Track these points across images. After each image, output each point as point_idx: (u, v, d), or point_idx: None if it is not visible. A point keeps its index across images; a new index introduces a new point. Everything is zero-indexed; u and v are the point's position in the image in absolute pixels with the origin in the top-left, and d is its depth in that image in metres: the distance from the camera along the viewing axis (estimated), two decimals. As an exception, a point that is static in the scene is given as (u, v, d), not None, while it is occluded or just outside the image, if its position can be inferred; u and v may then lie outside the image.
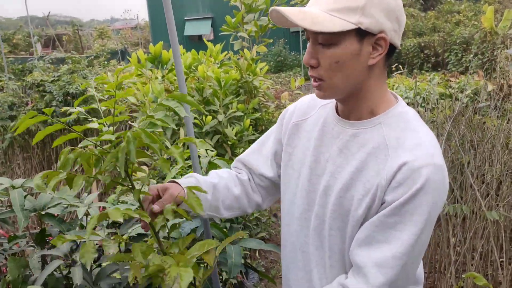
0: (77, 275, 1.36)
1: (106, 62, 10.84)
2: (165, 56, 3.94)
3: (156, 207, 1.02)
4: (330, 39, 0.89)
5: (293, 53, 15.48)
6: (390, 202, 0.91)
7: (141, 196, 1.04)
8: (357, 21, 0.87)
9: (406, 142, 0.93)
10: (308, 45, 0.95)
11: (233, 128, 3.52)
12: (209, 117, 3.43)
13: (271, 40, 4.49)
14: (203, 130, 3.43)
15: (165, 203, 1.03)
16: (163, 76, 3.87)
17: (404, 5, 12.38)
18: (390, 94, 1.01)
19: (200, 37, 18.39)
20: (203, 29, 18.34)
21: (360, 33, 0.89)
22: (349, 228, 0.97)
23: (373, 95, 0.97)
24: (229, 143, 3.49)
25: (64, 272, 1.48)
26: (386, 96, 0.99)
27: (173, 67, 4.24)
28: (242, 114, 3.61)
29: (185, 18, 18.33)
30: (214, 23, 18.33)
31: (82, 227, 1.65)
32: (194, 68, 3.98)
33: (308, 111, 1.13)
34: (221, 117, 3.44)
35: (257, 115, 3.84)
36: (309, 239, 1.06)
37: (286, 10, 0.88)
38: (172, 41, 1.19)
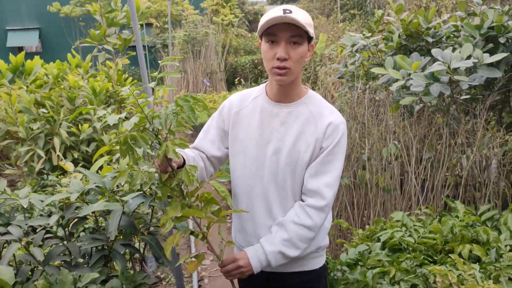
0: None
1: None
2: (29, 66, 3.86)
3: (174, 165, 1.39)
4: (301, 41, 1.39)
5: (133, 67, 15.40)
6: (325, 147, 1.48)
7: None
8: (312, 32, 1.41)
9: (324, 111, 1.52)
10: (280, 45, 1.38)
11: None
12: (86, 125, 3.53)
13: (134, 53, 4.74)
14: (80, 137, 3.52)
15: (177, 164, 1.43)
16: (27, 87, 3.79)
17: (233, 26, 13.45)
18: None
19: (20, 48, 16.65)
20: (30, 40, 16.83)
21: (309, 40, 1.43)
22: (298, 170, 1.50)
23: (299, 82, 1.52)
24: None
25: None
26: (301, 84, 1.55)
27: (36, 78, 4.14)
28: (116, 122, 3.79)
29: (7, 28, 16.61)
30: (42, 34, 17.03)
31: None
32: (60, 79, 3.99)
33: (242, 102, 1.61)
34: (98, 124, 3.58)
35: (130, 123, 4.05)
36: (264, 188, 1.52)
37: (296, 17, 1.33)
38: (138, 48, 1.49)
